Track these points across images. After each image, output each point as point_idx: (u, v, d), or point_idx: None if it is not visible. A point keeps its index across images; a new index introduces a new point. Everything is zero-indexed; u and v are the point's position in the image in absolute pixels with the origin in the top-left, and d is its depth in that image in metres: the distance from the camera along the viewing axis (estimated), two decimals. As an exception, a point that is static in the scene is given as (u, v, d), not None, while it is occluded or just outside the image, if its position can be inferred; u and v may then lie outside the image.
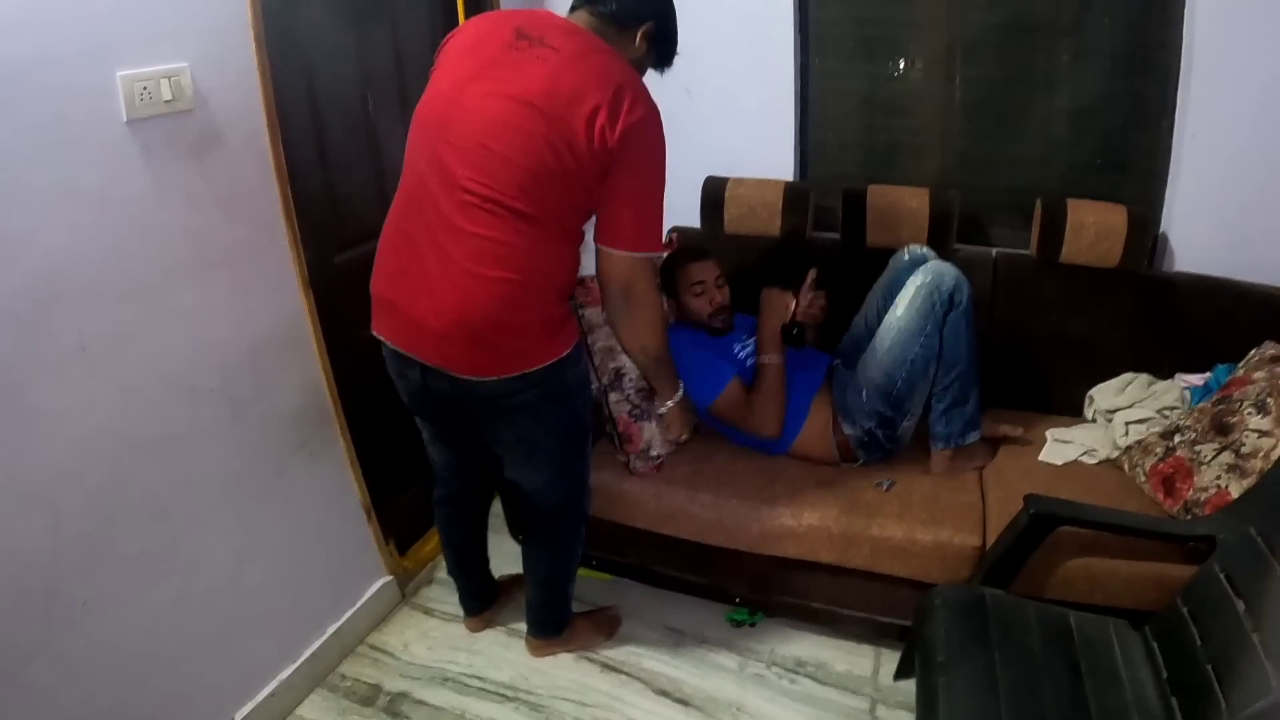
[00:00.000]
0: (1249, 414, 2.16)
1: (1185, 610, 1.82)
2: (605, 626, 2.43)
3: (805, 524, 2.17)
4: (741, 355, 2.46)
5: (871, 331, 2.33)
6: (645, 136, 1.66)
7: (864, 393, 2.28)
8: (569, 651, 2.36)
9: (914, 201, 2.56)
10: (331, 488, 2.27)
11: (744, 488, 2.27)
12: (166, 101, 1.65)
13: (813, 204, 2.73)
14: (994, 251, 2.71)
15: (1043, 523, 1.96)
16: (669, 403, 2.11)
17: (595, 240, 1.77)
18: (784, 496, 2.22)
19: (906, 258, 2.39)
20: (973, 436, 2.31)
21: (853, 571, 2.19)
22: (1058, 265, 2.53)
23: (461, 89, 1.70)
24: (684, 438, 2.26)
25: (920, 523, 2.13)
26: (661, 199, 1.76)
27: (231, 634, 1.99)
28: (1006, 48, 2.76)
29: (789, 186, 2.70)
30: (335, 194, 2.28)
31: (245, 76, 1.85)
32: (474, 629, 2.47)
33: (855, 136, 2.98)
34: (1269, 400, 2.15)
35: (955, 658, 1.76)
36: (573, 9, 1.80)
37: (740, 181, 2.74)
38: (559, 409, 1.90)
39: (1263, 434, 2.11)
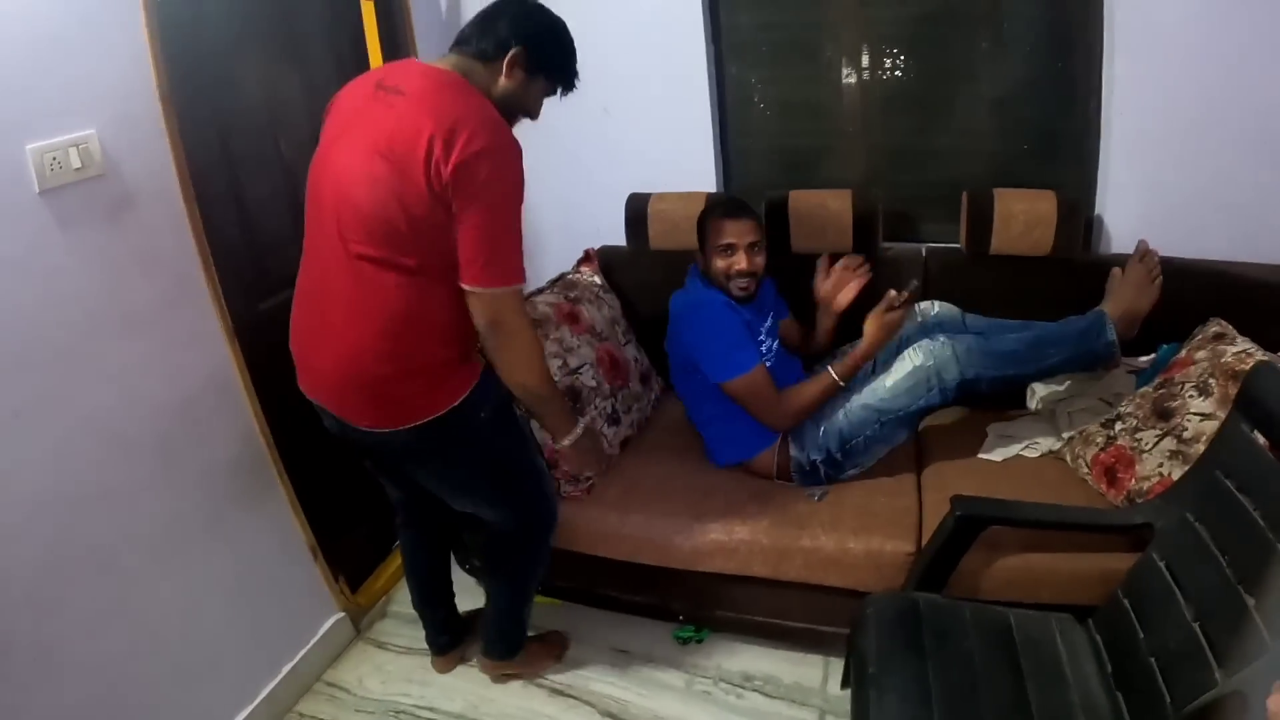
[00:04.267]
0: (1190, 397, 2.13)
1: (1127, 602, 1.80)
2: (554, 649, 2.44)
3: (736, 539, 2.17)
4: (763, 347, 2.36)
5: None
6: (486, 169, 1.59)
7: (823, 429, 2.27)
8: (519, 673, 2.37)
9: (836, 204, 2.54)
10: (275, 531, 2.30)
11: (675, 505, 2.27)
12: (76, 169, 1.69)
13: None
14: (924, 248, 2.70)
15: (971, 524, 1.95)
16: (564, 442, 1.96)
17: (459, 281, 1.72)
18: (715, 512, 2.21)
19: (931, 318, 2.46)
20: None
21: (791, 583, 2.18)
22: (989, 257, 2.51)
23: (329, 148, 1.73)
24: (585, 474, 2.25)
25: (851, 532, 2.12)
26: (515, 230, 1.70)
27: (187, 680, 2.01)
28: (923, 41, 2.76)
29: (710, 198, 2.68)
30: (254, 242, 2.29)
31: (154, 137, 1.88)
32: (440, 669, 2.45)
33: (777, 142, 2.98)
34: (1211, 381, 2.12)
35: (886, 669, 1.74)
36: (445, 55, 1.79)
37: (662, 196, 2.73)
38: (470, 452, 1.89)
39: (1205, 417, 2.08)
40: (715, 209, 2.35)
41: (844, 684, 2.06)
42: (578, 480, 2.31)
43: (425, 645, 2.47)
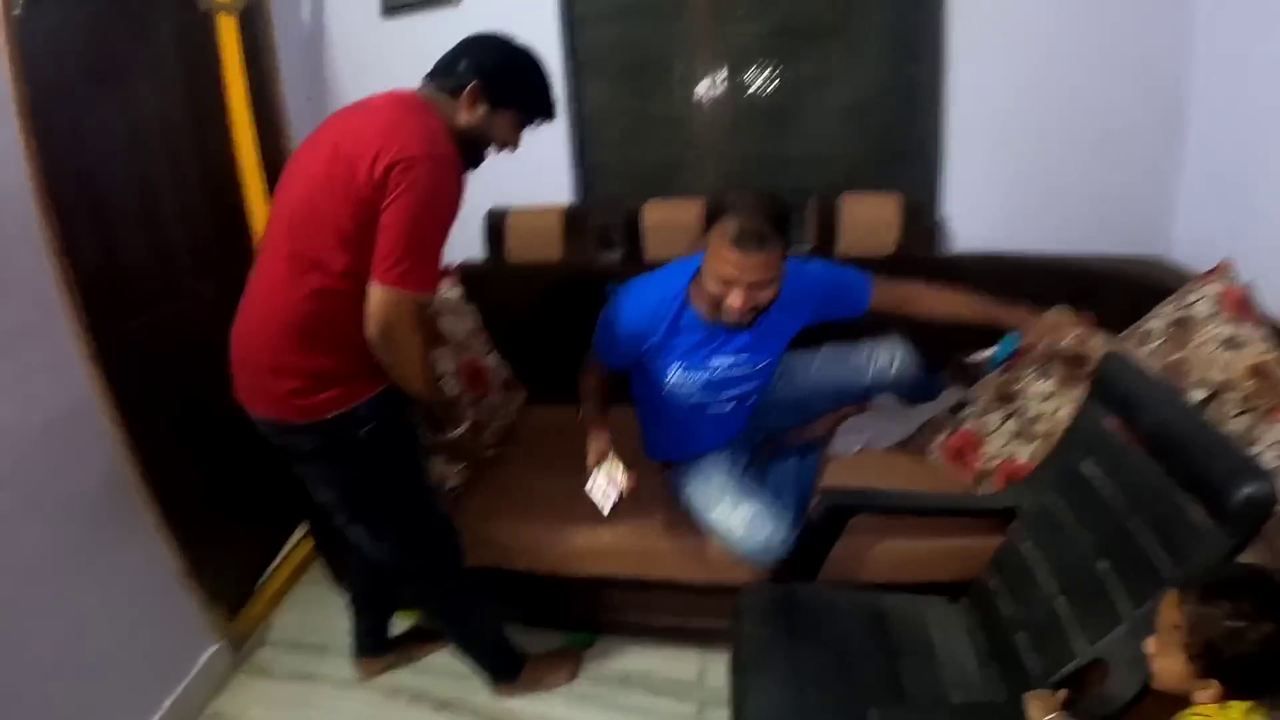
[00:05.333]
0: (1032, 380, 2.30)
1: (994, 582, 1.92)
2: (569, 664, 2.42)
3: (603, 542, 2.24)
4: (669, 377, 2.19)
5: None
6: (415, 173, 1.63)
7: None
8: (535, 691, 2.36)
9: (688, 214, 2.63)
10: (146, 559, 2.23)
11: (543, 511, 2.31)
12: None
13: (593, 226, 2.80)
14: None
15: (838, 513, 2.04)
16: (450, 435, 2.08)
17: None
18: (583, 516, 2.25)
19: (882, 370, 2.38)
20: None
21: (663, 582, 2.26)
22: (837, 258, 2.61)
23: (305, 146, 1.83)
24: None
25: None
26: (435, 242, 1.73)
27: (70, 716, 1.97)
28: (775, 53, 2.88)
29: (568, 211, 2.77)
30: (114, 263, 2.24)
31: (10, 159, 1.83)
32: (361, 673, 2.46)
33: (635, 155, 3.06)
34: (1051, 366, 2.30)
35: (760, 655, 1.82)
36: (421, 85, 1.84)
37: (521, 211, 2.80)
38: (344, 471, 1.92)
39: (1046, 397, 2.25)
40: (732, 232, 1.96)
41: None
42: (442, 490, 2.32)
43: (309, 672, 2.49)
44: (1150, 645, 1.33)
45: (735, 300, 1.98)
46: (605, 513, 2.06)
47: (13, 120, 1.81)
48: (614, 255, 2.86)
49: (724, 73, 2.93)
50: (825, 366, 2.39)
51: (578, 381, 2.27)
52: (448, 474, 2.35)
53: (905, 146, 2.88)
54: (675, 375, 2.17)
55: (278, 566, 2.88)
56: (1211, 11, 2.55)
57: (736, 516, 2.12)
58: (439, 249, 1.74)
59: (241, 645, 2.57)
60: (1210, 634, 1.24)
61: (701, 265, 2.07)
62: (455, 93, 1.79)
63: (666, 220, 2.68)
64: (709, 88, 2.95)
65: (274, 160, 2.71)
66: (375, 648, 2.46)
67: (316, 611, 2.73)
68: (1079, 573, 1.71)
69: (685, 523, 2.23)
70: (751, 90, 2.94)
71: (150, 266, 2.35)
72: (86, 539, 2.05)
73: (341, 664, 2.49)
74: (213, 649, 2.45)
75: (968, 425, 2.39)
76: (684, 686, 2.34)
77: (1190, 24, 2.59)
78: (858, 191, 2.65)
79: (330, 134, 1.75)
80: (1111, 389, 1.84)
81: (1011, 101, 2.67)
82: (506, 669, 2.33)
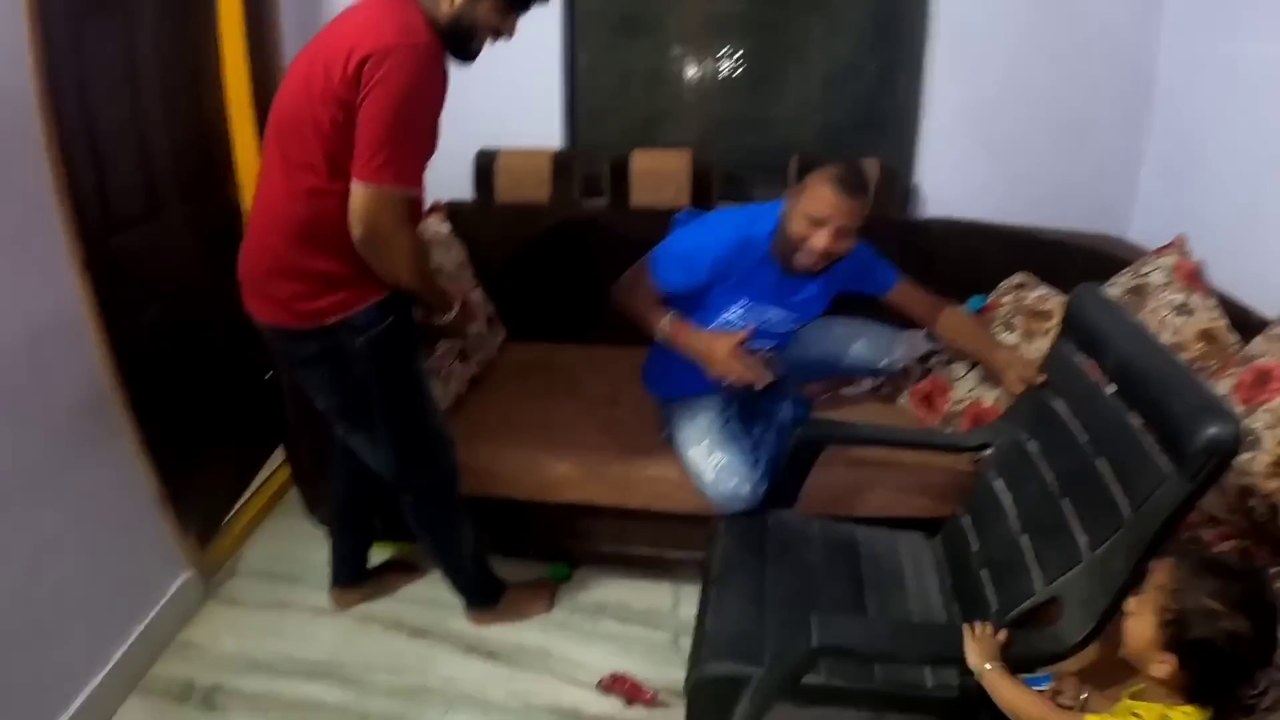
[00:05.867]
0: (998, 331, 2.44)
1: (966, 520, 1.96)
2: (546, 594, 2.45)
3: (583, 469, 2.29)
4: (729, 312, 2.26)
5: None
6: (386, 63, 1.61)
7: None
8: (512, 620, 2.39)
9: (675, 163, 2.73)
10: (122, 480, 2.20)
11: (524, 437, 2.37)
12: None
13: (580, 171, 2.86)
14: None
15: (813, 445, 2.10)
16: (443, 320, 2.01)
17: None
18: (562, 444, 2.33)
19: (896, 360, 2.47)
20: None
21: (640, 513, 2.33)
22: (815, 215, 2.72)
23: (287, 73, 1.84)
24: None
25: None
26: (415, 134, 1.70)
27: (36, 642, 1.92)
28: (763, 20, 2.99)
29: (557, 155, 2.83)
30: (106, 179, 2.23)
31: (18, 59, 1.80)
32: (336, 603, 2.46)
33: (624, 106, 3.14)
34: (1015, 319, 2.46)
35: (729, 572, 1.89)
36: None
37: (511, 152, 2.85)
38: (343, 379, 1.93)
39: (1011, 349, 2.37)
40: (831, 175, 2.07)
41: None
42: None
43: (281, 601, 2.49)
44: (1130, 604, 1.34)
45: (820, 240, 2.06)
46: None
47: (22, 24, 1.79)
48: (600, 201, 2.91)
49: (714, 35, 3.02)
50: (844, 337, 2.46)
51: (619, 305, 2.26)
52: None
53: (883, 116, 3.00)
54: (734, 314, 2.24)
55: (251, 497, 2.88)
56: (1180, 13, 2.72)
57: (710, 461, 2.18)
58: (420, 142, 1.72)
59: (213, 575, 2.56)
60: (1188, 604, 1.24)
61: (786, 212, 2.14)
62: None
63: (652, 168, 2.76)
64: (699, 48, 3.04)
65: (265, 95, 2.71)
66: (351, 578, 2.46)
67: (289, 543, 2.73)
68: (1043, 510, 1.72)
69: (666, 453, 2.30)
70: (739, 54, 3.03)
71: (137, 186, 2.34)
72: (64, 455, 2.00)
73: (313, 593, 2.50)
74: (184, 577, 2.42)
75: (936, 372, 2.51)
76: (658, 616, 2.41)
77: (1160, 24, 2.76)
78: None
79: (315, 42, 1.75)
80: (1080, 321, 1.85)
81: (988, 82, 2.80)
82: (486, 595, 2.36)
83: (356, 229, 1.70)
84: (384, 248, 1.74)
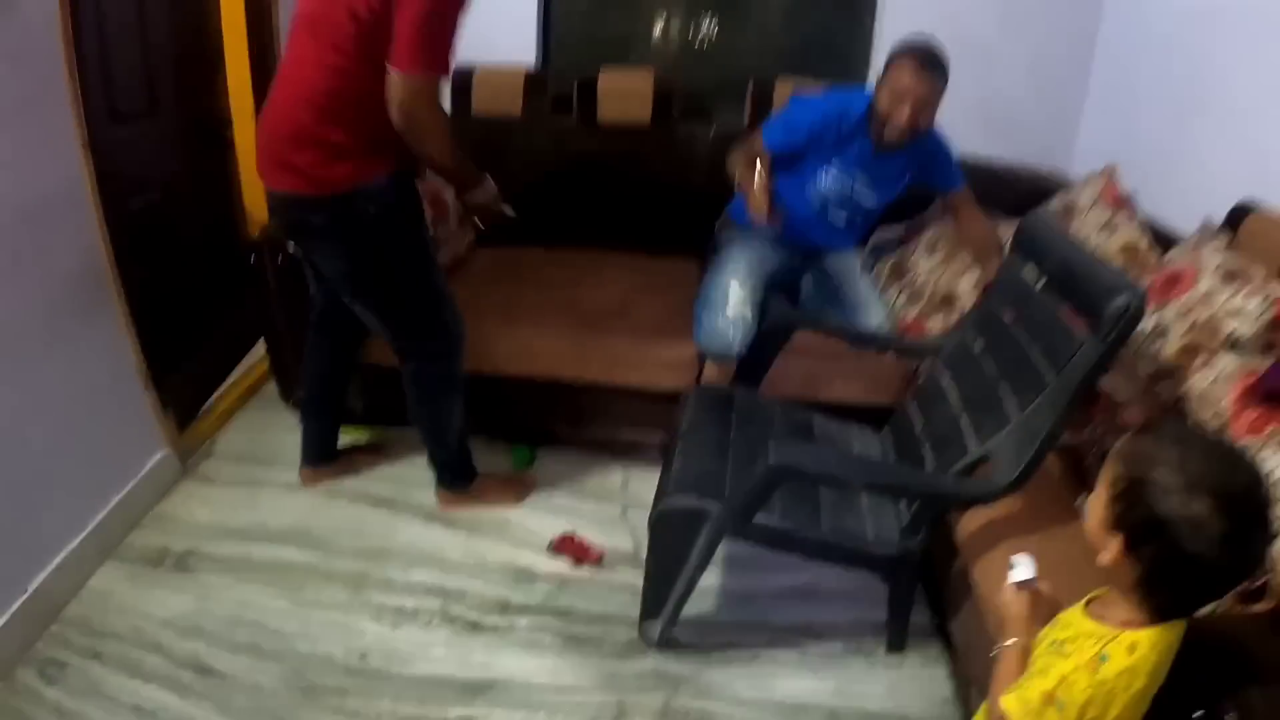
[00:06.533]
0: (920, 258, 2.69)
1: (912, 405, 2.21)
2: (515, 487, 2.58)
3: (542, 341, 2.48)
4: (821, 174, 2.53)
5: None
6: None
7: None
8: (478, 506, 2.51)
9: (640, 83, 2.91)
10: (109, 352, 2.30)
11: (486, 317, 2.50)
12: None
13: (551, 89, 3.03)
14: (712, 129, 3.06)
15: (786, 328, 2.36)
16: (473, 196, 2.20)
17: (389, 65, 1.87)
18: (527, 317, 2.50)
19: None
20: None
21: (596, 390, 2.52)
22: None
23: None
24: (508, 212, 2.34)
25: (648, 335, 2.50)
26: (448, 24, 1.86)
27: (20, 499, 2.00)
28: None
29: (529, 74, 3.00)
30: (111, 68, 2.37)
31: None
32: (306, 481, 2.59)
33: (594, 29, 3.31)
34: (938, 243, 2.66)
35: (695, 429, 2.09)
36: None
37: (487, 69, 3.00)
38: (355, 246, 2.08)
39: (932, 270, 2.62)
40: (909, 53, 2.35)
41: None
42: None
43: (254, 479, 2.62)
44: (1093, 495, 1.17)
45: (903, 115, 2.33)
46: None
47: None
48: (569, 117, 3.05)
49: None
50: (860, 293, 2.60)
51: (728, 163, 2.55)
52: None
53: (839, 44, 3.18)
54: (825, 175, 2.52)
55: (231, 386, 3.01)
56: None
57: (724, 292, 2.40)
58: (451, 34, 1.88)
59: (190, 456, 2.68)
60: (1138, 473, 1.08)
61: (875, 90, 2.41)
62: None
63: (618, 87, 2.93)
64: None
65: (256, 14, 2.89)
66: (320, 457, 2.60)
67: (265, 430, 2.87)
68: (981, 392, 1.99)
69: (620, 329, 2.51)
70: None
71: (139, 85, 2.50)
72: (58, 321, 2.11)
73: (285, 472, 2.64)
74: (161, 454, 2.54)
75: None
76: (609, 492, 2.59)
77: None
78: (790, 78, 2.91)
79: None
80: (1027, 239, 2.12)
81: (939, 16, 2.90)
82: (461, 475, 2.50)
83: (396, 112, 1.87)
84: (422, 129, 1.92)
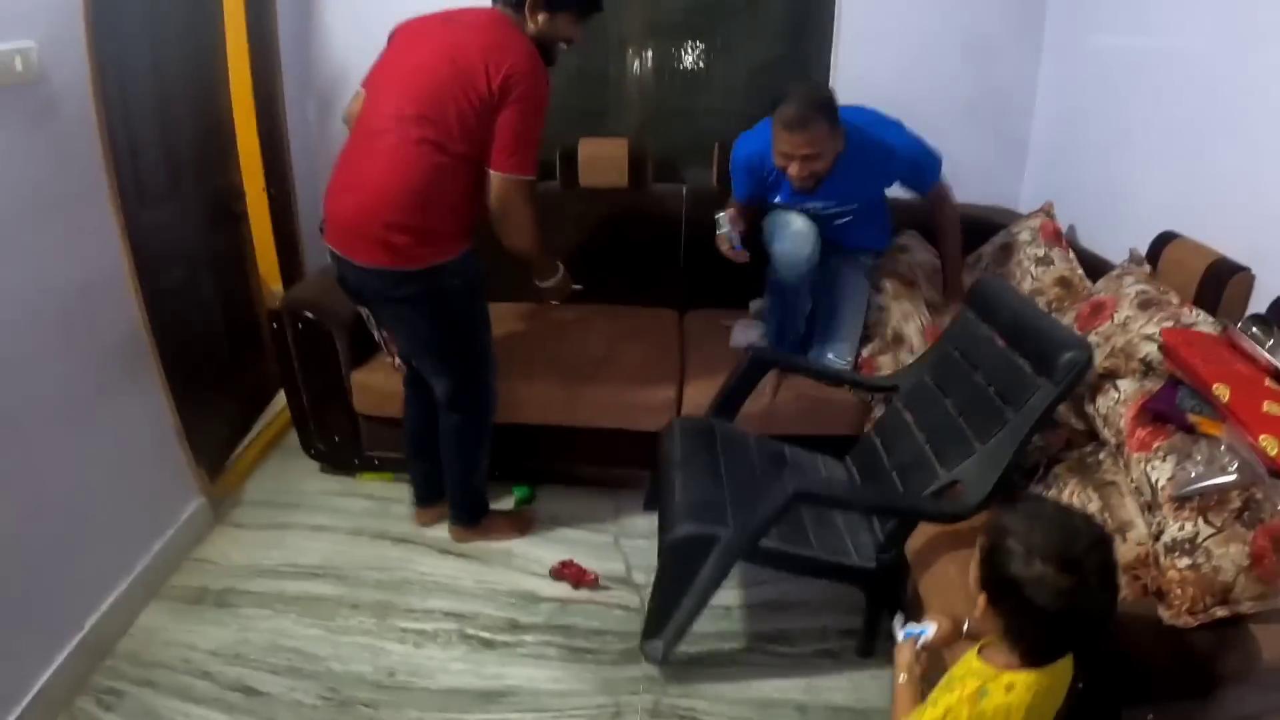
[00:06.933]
0: (872, 296, 2.90)
1: (876, 440, 2.47)
2: (519, 524, 2.81)
3: (535, 390, 2.75)
4: (810, 205, 2.70)
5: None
6: (523, 85, 2.11)
7: None
8: (486, 539, 2.76)
9: (615, 150, 3.21)
10: (148, 413, 2.52)
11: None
12: (18, 73, 1.92)
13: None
14: (684, 188, 3.39)
15: (759, 365, 2.59)
16: (549, 282, 2.56)
17: (487, 165, 2.18)
18: (518, 370, 2.75)
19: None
20: None
21: (585, 432, 2.78)
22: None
23: (401, 53, 2.27)
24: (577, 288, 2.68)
25: (628, 382, 2.78)
26: (538, 134, 2.20)
27: (73, 548, 2.19)
28: (693, 26, 3.48)
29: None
30: (138, 155, 2.62)
31: (78, 55, 2.14)
32: (422, 522, 2.84)
33: (573, 102, 3.56)
34: (885, 282, 2.89)
35: (689, 458, 2.31)
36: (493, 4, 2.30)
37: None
38: (434, 308, 2.33)
39: (881, 309, 2.84)
40: (777, 118, 2.47)
41: (647, 506, 2.75)
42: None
43: (281, 523, 2.88)
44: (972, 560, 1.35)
45: (793, 171, 2.49)
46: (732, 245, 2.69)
47: (81, 23, 2.16)
48: (554, 183, 3.32)
49: (650, 39, 3.51)
50: (840, 325, 2.83)
51: None
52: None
53: None
54: (792, 197, 2.69)
55: (255, 438, 3.27)
56: (1057, 10, 3.21)
57: (785, 220, 2.68)
58: (540, 139, 2.22)
59: (220, 505, 2.92)
60: (992, 540, 1.27)
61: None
62: (519, 7, 2.23)
63: (596, 154, 3.24)
64: (637, 48, 3.53)
65: (264, 94, 3.16)
66: (428, 498, 2.83)
67: (288, 477, 3.14)
68: (943, 425, 2.24)
69: (602, 378, 2.78)
70: (672, 54, 3.52)
71: (162, 167, 2.76)
72: (104, 387, 2.30)
73: (309, 515, 2.92)
74: (197, 503, 2.77)
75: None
76: (602, 522, 2.87)
77: (1041, 20, 3.27)
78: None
79: (445, 49, 2.16)
80: (980, 299, 2.39)
81: (889, 73, 3.24)
82: (475, 513, 2.76)
83: (495, 206, 2.21)
84: (514, 221, 2.24)
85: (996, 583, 1.25)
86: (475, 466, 2.65)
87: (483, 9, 2.27)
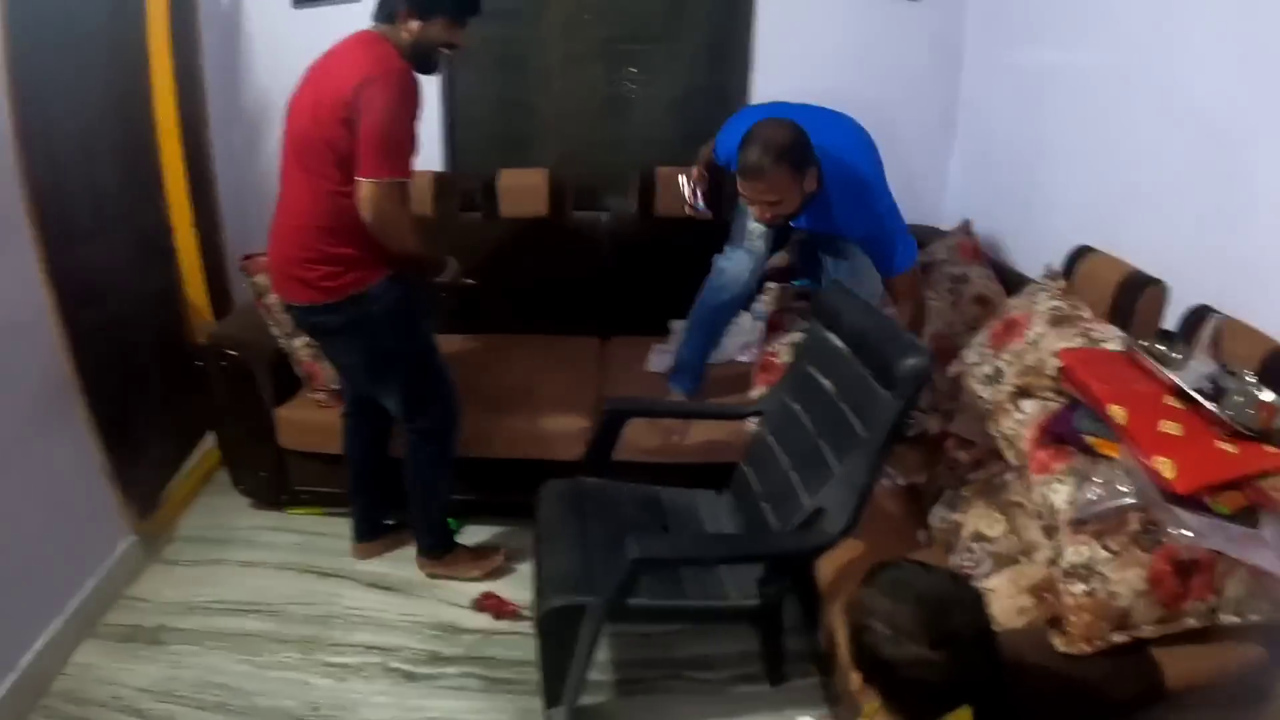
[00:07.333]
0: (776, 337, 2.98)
1: (747, 469, 2.46)
2: (484, 560, 2.80)
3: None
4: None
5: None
6: (372, 88, 2.10)
7: None
8: (447, 575, 2.78)
9: (535, 180, 3.27)
10: (76, 455, 2.53)
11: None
12: None
13: (459, 189, 3.38)
14: (603, 215, 3.45)
15: (617, 417, 2.52)
16: (444, 276, 2.56)
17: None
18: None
19: None
20: None
21: (506, 462, 2.85)
22: (654, 218, 3.30)
23: (296, 92, 2.31)
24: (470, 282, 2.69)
25: (545, 412, 2.84)
26: (401, 137, 2.17)
27: (5, 586, 2.20)
28: (613, 55, 3.55)
29: (437, 176, 3.32)
30: (63, 193, 2.55)
31: None
32: (357, 555, 2.88)
33: (495, 132, 3.65)
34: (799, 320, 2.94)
35: (555, 526, 2.27)
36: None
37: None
38: (365, 339, 2.41)
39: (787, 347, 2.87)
40: (740, 157, 2.32)
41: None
42: (330, 389, 2.83)
43: (214, 558, 2.92)
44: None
45: (757, 213, 2.43)
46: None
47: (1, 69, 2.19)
48: (475, 214, 3.39)
49: (571, 69, 3.56)
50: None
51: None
52: (330, 378, 2.86)
53: (712, 133, 3.46)
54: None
55: (184, 477, 3.27)
56: (976, 28, 3.28)
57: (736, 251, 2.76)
58: (407, 140, 2.21)
59: (153, 542, 2.94)
60: (860, 622, 1.26)
61: None
62: (392, 19, 2.25)
63: (516, 185, 3.29)
64: (558, 79, 3.58)
65: (190, 131, 3.16)
66: (368, 533, 2.89)
67: (219, 513, 3.16)
68: (804, 448, 2.20)
69: (517, 409, 2.85)
70: (589, 82, 3.58)
71: (88, 203, 2.73)
72: (29, 431, 2.31)
73: (241, 551, 2.95)
74: (128, 541, 2.78)
75: (769, 348, 3.01)
76: (523, 552, 2.80)
77: (962, 38, 3.33)
78: (672, 166, 3.22)
79: (312, 81, 2.24)
80: (823, 308, 2.39)
81: (810, 100, 3.18)
82: (441, 544, 2.79)
83: (366, 213, 2.20)
84: (389, 224, 2.23)
85: (869, 664, 1.25)
86: (435, 492, 2.69)
87: (355, 34, 2.27)
